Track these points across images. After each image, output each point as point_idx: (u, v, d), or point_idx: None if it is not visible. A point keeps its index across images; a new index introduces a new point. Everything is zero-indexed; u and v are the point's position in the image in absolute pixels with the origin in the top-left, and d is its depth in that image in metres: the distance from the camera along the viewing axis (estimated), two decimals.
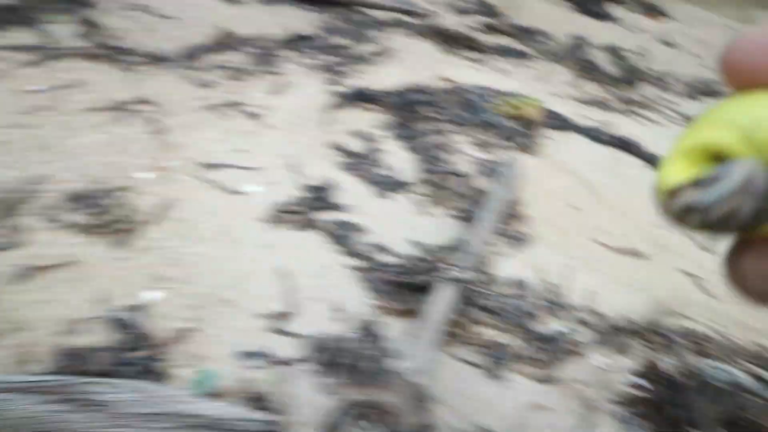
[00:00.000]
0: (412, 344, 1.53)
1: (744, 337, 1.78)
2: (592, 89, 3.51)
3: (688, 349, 1.61)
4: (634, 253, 2.18)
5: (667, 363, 1.41)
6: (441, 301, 1.66)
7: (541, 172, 2.56)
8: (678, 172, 0.22)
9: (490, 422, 1.47)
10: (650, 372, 1.41)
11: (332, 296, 1.71)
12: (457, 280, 1.72)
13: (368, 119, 2.68)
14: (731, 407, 1.14)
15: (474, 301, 1.74)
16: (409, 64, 3.21)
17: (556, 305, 1.82)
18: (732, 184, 0.19)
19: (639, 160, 2.83)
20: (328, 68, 3.00)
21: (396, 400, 1.30)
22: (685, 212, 0.21)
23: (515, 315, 1.72)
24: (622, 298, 1.91)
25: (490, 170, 2.44)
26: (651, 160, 2.83)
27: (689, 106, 3.59)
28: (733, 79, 0.21)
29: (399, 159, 2.54)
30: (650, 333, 1.68)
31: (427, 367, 1.51)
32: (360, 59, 3.15)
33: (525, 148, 2.68)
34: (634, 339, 1.67)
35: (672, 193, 0.22)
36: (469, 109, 2.82)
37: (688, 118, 3.50)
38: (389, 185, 2.35)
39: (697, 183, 0.21)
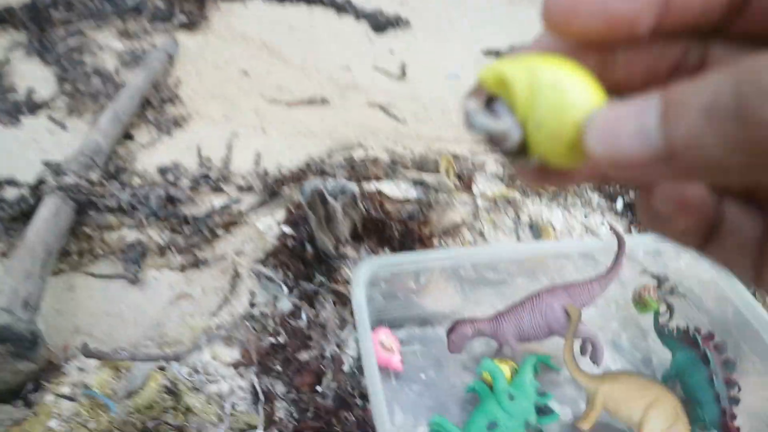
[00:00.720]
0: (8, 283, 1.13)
1: (416, 147, 1.63)
2: None
3: (357, 176, 1.39)
4: (319, 101, 1.94)
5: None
6: (44, 221, 1.27)
7: (208, 46, 2.20)
8: (486, 81, 0.25)
9: (136, 333, 1.15)
10: (293, 215, 1.16)
11: None
12: (68, 190, 1.33)
13: None
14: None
15: (99, 206, 1.37)
16: None
17: (215, 180, 1.51)
18: (497, 127, 0.23)
19: (332, 12, 2.58)
20: None
21: None
22: (466, 122, 0.25)
23: (157, 207, 1.38)
24: (300, 150, 1.66)
25: (138, 59, 2.02)
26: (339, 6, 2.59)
27: None
28: (550, 23, 0.23)
29: (34, 77, 2.02)
30: (317, 174, 1.44)
31: (33, 300, 1.13)
32: None
33: (188, 26, 2.28)
34: (296, 187, 1.41)
35: (468, 98, 0.25)
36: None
37: None
38: (17, 110, 1.84)
39: (483, 107, 0.25)
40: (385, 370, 0.97)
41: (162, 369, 0.93)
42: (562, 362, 0.95)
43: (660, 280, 1.04)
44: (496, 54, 2.38)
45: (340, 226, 0.98)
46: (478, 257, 1.05)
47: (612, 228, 1.00)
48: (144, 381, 0.89)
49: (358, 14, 2.58)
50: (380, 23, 2.48)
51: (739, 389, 0.87)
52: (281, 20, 2.46)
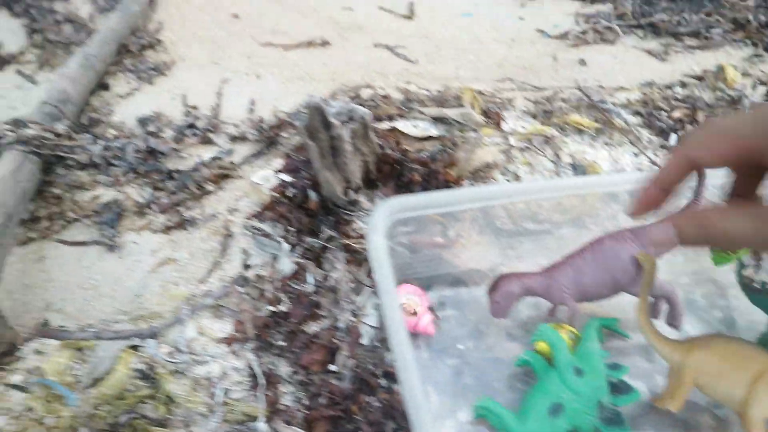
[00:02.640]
0: None
1: (431, 87, 1.41)
2: None
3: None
4: (319, 43, 1.71)
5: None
6: (1, 180, 1.07)
7: None
8: None
9: (112, 306, 0.96)
10: (292, 161, 0.95)
11: None
12: (29, 144, 1.13)
13: None
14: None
15: (69, 162, 1.17)
16: None
17: (203, 130, 1.30)
18: None
19: None
20: None
21: None
22: None
23: (135, 161, 1.18)
24: (299, 95, 1.45)
25: (114, 4, 1.79)
26: None
27: None
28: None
29: (1, 29, 1.81)
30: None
31: None
32: None
33: None
34: (296, 133, 1.21)
35: None
36: None
37: None
38: None
39: None
40: (413, 340, 0.78)
41: (134, 348, 0.74)
42: (630, 326, 0.75)
43: None
44: None
45: (349, 164, 0.77)
46: (517, 193, 0.83)
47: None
48: (111, 364, 0.70)
49: None
50: None
51: None
52: None
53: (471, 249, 0.95)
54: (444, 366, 0.80)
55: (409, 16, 1.92)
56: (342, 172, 0.80)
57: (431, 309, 0.81)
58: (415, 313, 0.78)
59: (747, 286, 0.81)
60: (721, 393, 0.66)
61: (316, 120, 0.70)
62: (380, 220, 0.74)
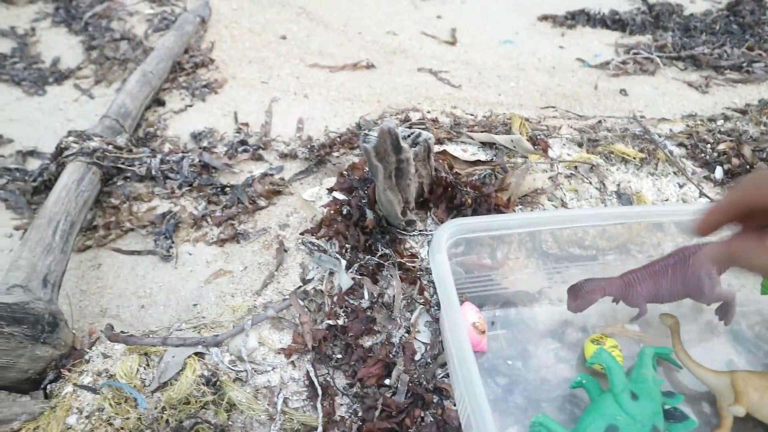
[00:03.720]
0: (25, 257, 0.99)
1: (476, 111, 1.44)
2: None
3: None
4: (365, 66, 1.76)
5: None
6: (65, 189, 1.13)
7: (243, 10, 2.04)
8: None
9: (168, 315, 1.00)
10: (346, 180, 0.99)
11: None
12: (92, 155, 1.18)
13: (23, 13, 2.00)
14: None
15: (127, 174, 1.22)
16: None
17: (254, 146, 1.35)
18: None
19: None
20: None
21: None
22: None
23: (190, 174, 1.23)
24: (346, 115, 1.49)
25: (169, 24, 1.87)
26: None
27: None
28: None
29: (61, 46, 1.89)
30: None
31: (54, 278, 0.99)
32: None
33: None
34: (345, 153, 1.25)
35: None
36: None
37: None
38: (42, 80, 1.71)
39: None
40: None
41: (200, 356, 0.77)
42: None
43: None
44: (553, 19, 2.18)
45: (411, 185, 0.80)
46: (569, 221, 0.86)
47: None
48: (178, 370, 0.73)
49: None
50: None
51: None
52: None
53: (519, 271, 0.97)
54: (494, 384, 0.82)
55: (452, 42, 1.96)
56: (403, 193, 0.83)
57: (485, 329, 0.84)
58: (484, 332, 0.80)
59: None
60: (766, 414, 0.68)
61: (387, 143, 0.74)
62: (443, 240, 0.77)
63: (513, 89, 1.69)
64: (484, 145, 1.19)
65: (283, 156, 1.35)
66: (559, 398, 0.81)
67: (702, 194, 1.16)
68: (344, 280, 0.85)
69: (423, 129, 1.19)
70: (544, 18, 2.19)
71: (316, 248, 0.94)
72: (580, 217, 0.88)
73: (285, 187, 1.24)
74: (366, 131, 0.77)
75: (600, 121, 1.38)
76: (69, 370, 0.81)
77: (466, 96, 1.62)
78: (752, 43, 1.98)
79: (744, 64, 1.85)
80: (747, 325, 0.96)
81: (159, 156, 1.26)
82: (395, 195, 0.82)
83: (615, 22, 2.19)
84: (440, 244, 0.75)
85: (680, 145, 1.29)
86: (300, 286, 0.90)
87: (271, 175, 1.27)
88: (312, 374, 0.78)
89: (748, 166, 1.23)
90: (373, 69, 1.75)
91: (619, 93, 1.70)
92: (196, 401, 0.73)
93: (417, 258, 0.91)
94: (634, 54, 1.92)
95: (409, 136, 0.80)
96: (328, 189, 1.10)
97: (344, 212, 0.96)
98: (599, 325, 0.91)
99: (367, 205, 0.91)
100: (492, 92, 1.65)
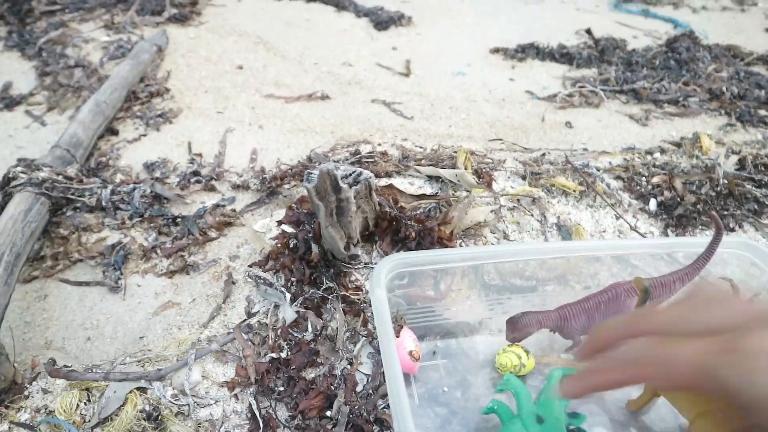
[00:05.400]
0: None
1: (425, 144, 1.49)
2: None
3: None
4: (320, 97, 1.80)
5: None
6: (11, 220, 1.12)
7: (201, 40, 2.06)
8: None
9: (115, 348, 1.00)
10: (295, 212, 1.01)
11: None
12: (41, 186, 1.18)
13: None
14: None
15: (77, 204, 1.22)
16: None
17: (207, 177, 1.36)
18: None
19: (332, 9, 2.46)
20: None
21: None
22: None
23: (141, 205, 1.24)
24: (300, 146, 1.52)
25: (125, 52, 1.87)
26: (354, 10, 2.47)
27: None
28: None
29: (13, 71, 1.88)
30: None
31: None
32: None
33: (179, 19, 2.14)
34: (296, 185, 1.27)
35: None
36: None
37: None
38: None
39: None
40: (406, 389, 0.82)
41: (142, 390, 0.78)
42: None
43: (736, 289, 0.92)
44: (504, 52, 2.27)
45: (353, 222, 0.83)
46: (510, 255, 0.91)
47: (711, 214, 0.89)
48: (119, 405, 0.74)
49: (359, 11, 2.46)
50: (382, 20, 2.35)
51: None
52: (277, 16, 2.33)
53: (461, 302, 1.01)
54: (433, 413, 0.85)
55: (406, 74, 2.02)
56: (345, 229, 0.86)
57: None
58: (417, 359, 0.83)
59: None
60: (678, 410, 0.75)
61: (327, 183, 0.77)
62: (382, 274, 0.80)
63: (464, 120, 1.75)
64: (431, 178, 1.23)
65: (236, 187, 1.36)
66: (497, 426, 0.85)
67: (633, 228, 1.23)
68: (288, 313, 0.87)
69: (372, 162, 1.22)
70: (496, 50, 2.27)
71: (262, 281, 0.96)
72: (520, 252, 0.92)
73: (236, 219, 1.26)
74: (309, 171, 0.80)
75: (544, 154, 1.44)
76: (6, 407, 0.80)
77: (418, 127, 1.67)
78: (688, 79, 2.09)
79: (680, 99, 1.96)
80: None
81: (110, 187, 1.27)
82: (337, 231, 0.85)
83: (563, 55, 2.28)
84: (379, 279, 0.78)
85: (617, 177, 1.36)
86: (245, 320, 0.92)
87: (223, 206, 1.29)
88: (254, 407, 0.79)
89: (679, 199, 1.30)
90: (328, 100, 1.79)
91: (565, 125, 1.78)
92: None
93: (361, 290, 0.94)
94: (580, 87, 2.01)
95: (349, 175, 0.84)
96: (277, 221, 1.12)
97: (291, 245, 0.98)
98: (536, 355, 0.95)
99: (312, 239, 0.94)
100: (443, 124, 1.71)
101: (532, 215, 1.18)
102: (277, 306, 0.92)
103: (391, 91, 1.89)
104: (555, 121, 1.80)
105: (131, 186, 1.27)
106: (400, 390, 0.66)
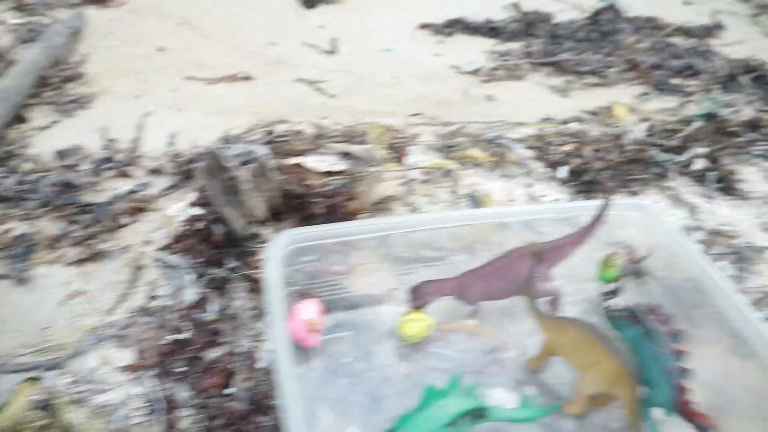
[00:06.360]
0: None
1: (347, 121, 1.49)
2: None
3: (278, 151, 1.24)
4: (243, 77, 1.78)
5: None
6: None
7: (120, 21, 2.00)
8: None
9: (18, 339, 0.97)
10: (203, 194, 1.00)
11: None
12: None
13: None
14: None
15: None
16: None
17: (121, 163, 1.34)
18: None
19: None
20: None
21: None
22: None
23: (49, 194, 1.21)
24: (221, 128, 1.49)
25: (37, 35, 1.81)
26: None
27: None
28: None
29: None
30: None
31: None
32: None
33: (98, 1, 2.07)
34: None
35: None
36: None
37: None
38: None
39: None
40: (307, 363, 0.84)
41: (35, 381, 0.77)
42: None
43: (633, 250, 0.97)
44: (432, 28, 2.28)
45: (249, 200, 0.84)
46: (409, 226, 0.93)
47: (601, 178, 0.93)
48: (8, 397, 0.73)
49: None
50: None
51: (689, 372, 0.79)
52: None
53: (370, 275, 1.03)
54: (337, 385, 0.87)
55: (332, 51, 2.01)
56: (242, 208, 0.86)
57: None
58: (316, 331, 0.84)
59: (608, 314, 0.93)
60: (570, 365, 0.82)
61: (214, 162, 0.77)
62: (276, 251, 0.81)
63: (388, 97, 1.76)
64: (345, 155, 1.24)
65: (152, 172, 1.34)
66: (399, 394, 0.87)
67: (534, 197, 1.26)
68: (190, 294, 0.87)
69: (284, 141, 1.22)
70: (425, 26, 2.28)
71: (166, 264, 0.96)
72: (424, 222, 0.96)
73: (150, 204, 1.24)
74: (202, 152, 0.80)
75: (462, 128, 1.46)
76: None
77: (341, 105, 1.67)
78: (609, 50, 2.15)
79: (600, 69, 2.01)
80: (575, 313, 1.06)
81: (15, 176, 1.23)
82: (234, 210, 0.85)
83: (490, 30, 2.31)
84: (271, 255, 0.79)
85: (530, 147, 1.40)
86: (148, 303, 0.91)
87: (137, 191, 1.27)
88: (155, 389, 0.79)
89: (587, 165, 1.35)
90: (252, 80, 1.77)
91: (487, 99, 1.80)
92: (28, 427, 0.73)
93: None
94: (504, 60, 2.04)
95: (241, 154, 0.84)
96: (189, 204, 1.11)
97: (196, 227, 0.98)
98: (440, 322, 0.97)
99: (215, 220, 0.94)
100: (367, 101, 1.71)
101: (443, 187, 1.20)
102: (180, 288, 0.91)
103: (316, 70, 1.88)
104: (478, 95, 1.83)
105: (39, 175, 1.24)
106: (284, 360, 0.67)
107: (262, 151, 0.82)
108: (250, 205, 0.86)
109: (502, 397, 0.87)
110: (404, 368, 0.91)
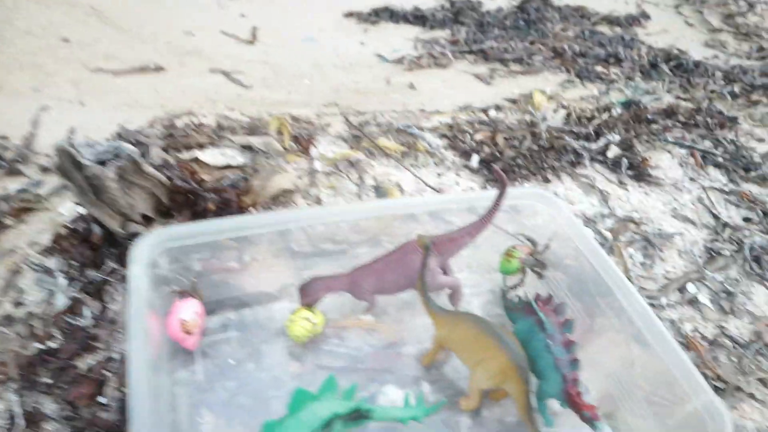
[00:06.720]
0: None
1: (258, 113, 1.44)
2: None
3: (176, 145, 1.18)
4: (153, 69, 1.70)
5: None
6: None
7: (19, 10, 1.89)
8: None
9: None
10: None
11: None
12: None
13: None
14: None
15: None
16: None
17: (10, 161, 1.25)
18: None
19: None
20: None
21: None
22: None
23: None
24: (125, 123, 1.42)
25: None
26: None
27: None
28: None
29: None
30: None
31: None
32: None
33: None
34: None
35: None
36: None
37: None
38: None
39: None
40: (190, 366, 0.80)
41: None
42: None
43: (534, 243, 0.96)
44: (358, 16, 2.24)
45: (119, 200, 0.78)
46: (308, 218, 0.90)
47: (494, 169, 0.91)
48: None
49: None
50: None
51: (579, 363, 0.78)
52: None
53: (265, 272, 0.99)
54: (221, 388, 0.83)
55: (251, 41, 1.95)
56: (112, 208, 0.81)
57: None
58: (195, 333, 0.80)
59: (506, 306, 0.92)
60: (462, 360, 0.81)
61: (67, 162, 0.71)
62: (141, 252, 0.76)
63: (306, 87, 1.72)
64: (246, 148, 1.19)
65: (46, 170, 1.26)
66: (289, 395, 0.83)
67: (429, 186, 1.25)
68: (61, 299, 0.82)
69: (184, 135, 1.17)
70: (350, 15, 2.24)
71: (40, 268, 0.89)
72: (325, 215, 0.92)
73: (40, 203, 1.17)
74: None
75: (373, 117, 1.43)
76: None
77: (256, 96, 1.61)
78: (535, 38, 2.15)
79: (525, 57, 2.01)
80: (478, 304, 1.05)
81: None
82: (102, 210, 0.80)
83: (417, 18, 2.29)
84: (137, 256, 0.74)
85: (443, 136, 1.38)
86: (13, 311, 0.85)
87: (26, 191, 1.19)
88: (15, 404, 0.74)
89: (499, 154, 1.34)
90: (162, 72, 1.70)
91: (409, 87, 1.78)
92: None
93: None
94: (430, 48, 2.02)
95: (106, 151, 0.78)
96: (76, 203, 1.05)
97: (76, 228, 0.92)
98: (335, 318, 0.94)
99: (93, 220, 0.88)
100: (283, 91, 1.66)
101: (349, 179, 1.17)
102: (52, 293, 0.86)
103: (233, 60, 1.82)
104: (400, 84, 1.81)
105: None
106: (140, 369, 0.63)
107: (129, 147, 0.77)
108: (123, 204, 0.80)
109: (393, 395, 0.85)
110: (295, 368, 0.88)
